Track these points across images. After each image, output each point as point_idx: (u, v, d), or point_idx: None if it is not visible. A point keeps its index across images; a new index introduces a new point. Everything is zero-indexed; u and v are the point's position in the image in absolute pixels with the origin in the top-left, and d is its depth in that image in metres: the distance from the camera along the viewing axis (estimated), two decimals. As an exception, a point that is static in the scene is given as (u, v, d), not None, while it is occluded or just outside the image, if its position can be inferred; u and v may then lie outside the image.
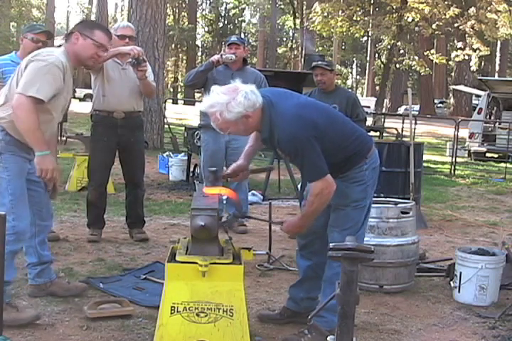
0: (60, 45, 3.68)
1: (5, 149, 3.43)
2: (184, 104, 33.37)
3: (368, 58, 45.53)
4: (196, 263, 2.99)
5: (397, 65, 29.06)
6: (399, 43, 27.14)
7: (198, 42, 53.80)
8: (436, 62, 29.72)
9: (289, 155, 3.22)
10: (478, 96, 21.30)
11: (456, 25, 25.46)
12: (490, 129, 15.59)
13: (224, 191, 3.48)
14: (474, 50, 26.12)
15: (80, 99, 33.28)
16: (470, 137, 15.08)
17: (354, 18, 28.25)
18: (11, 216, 3.30)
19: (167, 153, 10.30)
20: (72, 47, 3.53)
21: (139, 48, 5.09)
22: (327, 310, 3.13)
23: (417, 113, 28.04)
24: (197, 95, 33.15)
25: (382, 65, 33.68)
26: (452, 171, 11.70)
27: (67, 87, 3.50)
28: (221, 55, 5.73)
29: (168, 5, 19.55)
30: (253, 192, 7.65)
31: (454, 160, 11.84)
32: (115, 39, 5.25)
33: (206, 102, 3.10)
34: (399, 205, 4.51)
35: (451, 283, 4.31)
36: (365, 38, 40.18)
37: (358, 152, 3.28)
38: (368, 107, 27.96)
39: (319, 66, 5.65)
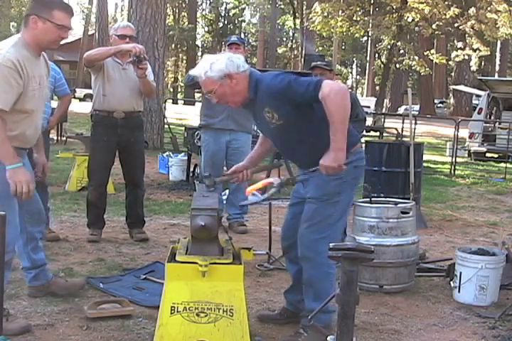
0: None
1: None
2: (184, 104, 33.37)
3: (368, 58, 45.53)
4: (196, 263, 2.99)
5: (397, 65, 29.06)
6: (399, 43, 27.14)
7: (198, 42, 53.84)
8: (436, 62, 29.72)
9: (280, 98, 3.11)
10: (478, 96, 21.30)
11: (456, 25, 25.45)
12: (490, 129, 15.58)
13: (265, 182, 3.49)
14: (474, 50, 26.12)
15: (80, 99, 33.30)
16: (470, 137, 15.07)
17: (354, 18, 28.25)
18: None
19: (167, 153, 10.30)
20: (32, 32, 3.22)
21: (141, 46, 5.09)
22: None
23: (417, 113, 28.03)
24: (197, 95, 33.15)
25: (382, 65, 33.68)
26: (452, 171, 11.70)
27: (32, 80, 3.21)
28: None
29: (168, 5, 19.56)
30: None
31: (454, 160, 11.83)
32: (115, 39, 5.26)
33: (196, 67, 3.23)
34: (399, 205, 4.51)
35: (451, 283, 4.31)
36: (365, 38, 40.18)
37: None
38: (368, 107, 27.95)
39: (318, 66, 5.65)
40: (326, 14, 27.06)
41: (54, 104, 5.49)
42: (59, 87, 5.35)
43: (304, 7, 36.01)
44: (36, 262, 3.77)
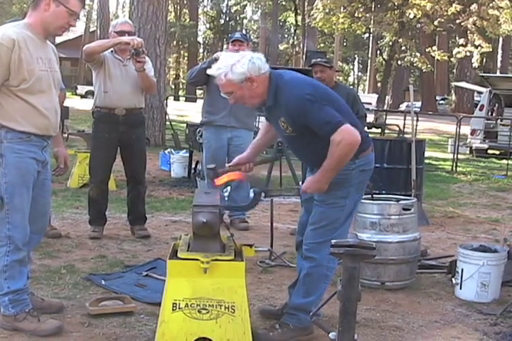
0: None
1: (7, 150, 3.13)
2: (185, 100, 33.34)
3: (369, 55, 45.45)
4: (198, 259, 2.99)
5: (399, 62, 28.98)
6: (400, 40, 27.05)
7: (200, 39, 53.80)
8: (437, 59, 29.65)
9: (297, 116, 3.10)
10: (479, 92, 21.23)
11: (457, 21, 25.37)
12: (492, 126, 15.54)
13: (232, 176, 3.45)
14: (476, 47, 26.07)
15: (82, 96, 33.30)
16: (472, 134, 15.06)
17: (356, 15, 28.15)
18: (7, 225, 3.17)
19: (169, 149, 10.28)
20: (41, 14, 3.14)
21: (140, 39, 5.08)
22: (299, 310, 3.34)
23: (419, 110, 28.04)
24: (198, 92, 33.12)
25: (383, 62, 33.59)
26: (454, 168, 11.69)
27: (38, 60, 3.14)
28: (225, 52, 5.75)
29: (169, 2, 19.52)
30: (254, 189, 7.62)
31: (455, 156, 11.83)
32: (114, 35, 5.25)
33: (214, 66, 3.12)
34: (401, 202, 4.51)
35: (453, 279, 4.31)
36: (367, 35, 40.11)
37: None
38: (370, 104, 27.91)
39: (318, 63, 5.64)
40: (327, 11, 27.00)
41: None
42: None
43: (306, 3, 35.94)
44: None
